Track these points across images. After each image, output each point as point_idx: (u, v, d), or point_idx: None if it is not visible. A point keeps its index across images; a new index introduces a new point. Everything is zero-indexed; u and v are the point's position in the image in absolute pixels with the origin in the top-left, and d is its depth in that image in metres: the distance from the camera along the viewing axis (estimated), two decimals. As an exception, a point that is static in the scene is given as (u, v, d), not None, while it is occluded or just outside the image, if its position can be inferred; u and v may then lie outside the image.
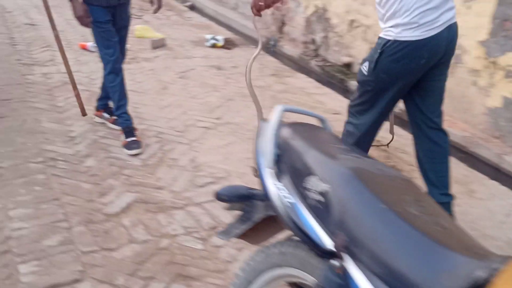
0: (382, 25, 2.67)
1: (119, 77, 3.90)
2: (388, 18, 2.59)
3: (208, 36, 6.47)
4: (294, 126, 1.75)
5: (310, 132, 1.76)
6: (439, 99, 2.87)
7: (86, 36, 6.50)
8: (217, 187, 3.37)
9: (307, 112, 1.84)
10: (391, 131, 3.39)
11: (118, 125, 4.06)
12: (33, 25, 6.92)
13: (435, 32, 2.56)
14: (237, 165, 3.70)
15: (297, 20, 6.30)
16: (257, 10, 2.82)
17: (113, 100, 3.98)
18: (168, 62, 5.75)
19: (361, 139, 2.92)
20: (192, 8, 8.49)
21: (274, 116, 1.70)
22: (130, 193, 3.30)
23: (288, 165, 1.61)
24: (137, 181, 3.45)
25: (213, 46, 6.35)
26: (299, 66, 5.98)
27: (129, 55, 5.58)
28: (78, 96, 4.21)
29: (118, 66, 3.88)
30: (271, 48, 6.58)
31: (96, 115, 4.28)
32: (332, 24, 5.67)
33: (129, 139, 3.89)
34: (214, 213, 3.14)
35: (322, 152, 1.53)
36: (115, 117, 4.15)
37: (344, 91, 5.27)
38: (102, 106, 4.26)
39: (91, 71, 5.38)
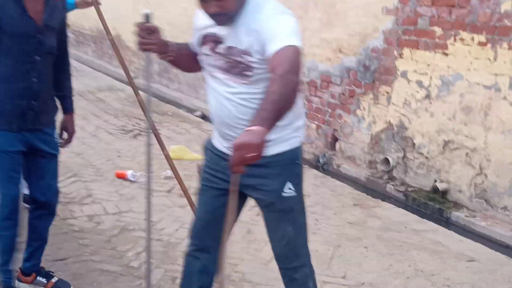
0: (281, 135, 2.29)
1: (16, 228, 2.99)
2: (287, 125, 2.29)
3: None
4: None
5: None
6: None
7: (116, 162, 5.52)
8: None
9: None
10: None
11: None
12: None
13: None
14: None
15: (357, 136, 5.59)
16: (242, 162, 1.84)
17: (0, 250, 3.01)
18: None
19: None
20: (204, 117, 7.68)
21: None
22: None
23: None
24: None
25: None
26: (370, 190, 5.20)
27: (175, 185, 4.67)
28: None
29: (17, 210, 2.99)
30: (321, 166, 5.81)
31: (25, 281, 3.20)
32: (415, 144, 4.97)
33: None
34: None
35: None
36: (54, 281, 3.20)
37: (447, 224, 4.50)
38: (35, 268, 3.21)
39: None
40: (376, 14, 5.29)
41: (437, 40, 4.72)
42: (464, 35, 4.49)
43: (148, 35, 2.30)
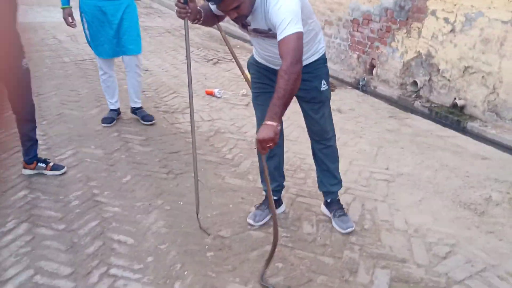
0: (311, 51, 2.47)
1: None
2: (313, 43, 2.46)
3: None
4: None
5: None
6: None
7: (204, 82, 5.63)
8: (459, 257, 2.57)
9: None
10: None
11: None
12: (147, 70, 5.99)
13: None
14: (452, 226, 2.89)
15: (391, 63, 5.50)
16: (264, 149, 2.01)
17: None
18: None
19: None
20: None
21: None
22: (380, 269, 2.47)
23: None
24: (375, 252, 2.61)
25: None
26: (401, 106, 5.18)
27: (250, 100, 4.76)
28: None
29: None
30: (361, 88, 5.78)
31: (28, 168, 3.38)
32: (440, 69, 4.88)
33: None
34: (485, 293, 2.32)
35: None
36: (51, 164, 3.39)
37: (464, 132, 4.48)
38: (34, 158, 3.38)
39: (231, 118, 4.51)
40: (412, -38, 5.06)
41: (463, -17, 4.52)
42: (488, -21, 4.28)
43: (185, 5, 2.28)
